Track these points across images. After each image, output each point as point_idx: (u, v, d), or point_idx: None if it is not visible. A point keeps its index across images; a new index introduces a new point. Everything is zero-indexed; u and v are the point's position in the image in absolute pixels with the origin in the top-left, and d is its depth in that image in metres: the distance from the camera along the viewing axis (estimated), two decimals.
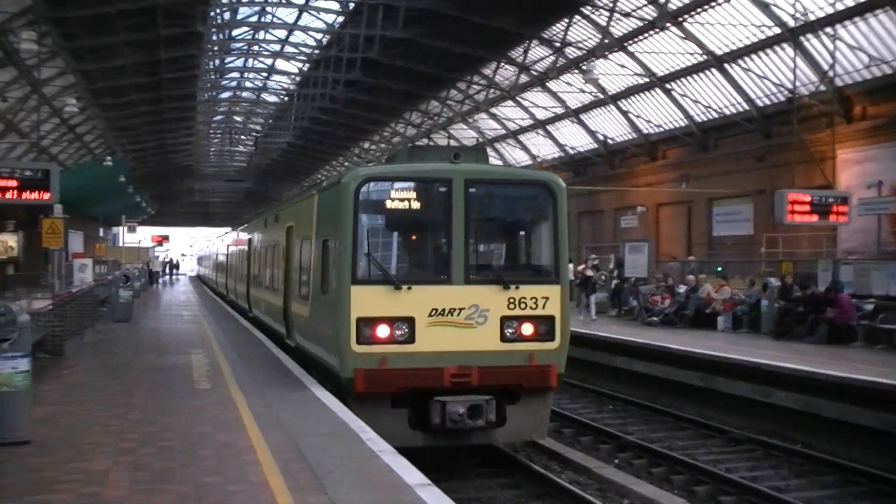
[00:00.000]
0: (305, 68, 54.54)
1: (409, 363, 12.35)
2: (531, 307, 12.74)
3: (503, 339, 12.64)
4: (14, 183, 23.84)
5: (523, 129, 51.59)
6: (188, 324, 26.70)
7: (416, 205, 12.90)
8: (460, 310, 12.50)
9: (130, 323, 26.36)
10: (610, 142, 45.73)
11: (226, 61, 56.56)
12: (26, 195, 24.09)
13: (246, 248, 28.24)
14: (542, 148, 51.85)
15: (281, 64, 56.69)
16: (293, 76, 58.38)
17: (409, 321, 12.41)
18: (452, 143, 58.00)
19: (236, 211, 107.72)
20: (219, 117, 74.73)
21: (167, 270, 76.61)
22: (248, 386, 13.57)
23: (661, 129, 41.26)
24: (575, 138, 48.44)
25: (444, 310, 12.47)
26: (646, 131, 42.39)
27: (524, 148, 53.48)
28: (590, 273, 29.86)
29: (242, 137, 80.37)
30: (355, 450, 9.36)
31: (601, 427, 16.82)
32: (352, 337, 12.33)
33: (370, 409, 12.04)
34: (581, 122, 46.35)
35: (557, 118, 47.62)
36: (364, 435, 10.02)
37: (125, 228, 65.67)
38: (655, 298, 27.26)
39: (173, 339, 21.83)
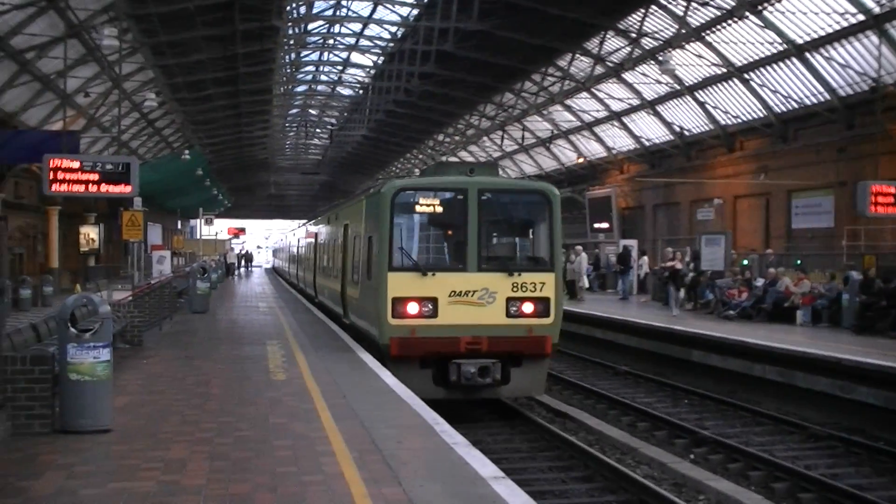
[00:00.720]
0: (380, 61, 54.86)
1: (433, 333, 15.49)
2: (531, 290, 15.81)
3: (508, 315, 15.75)
4: (95, 176, 24.20)
5: (598, 121, 51.28)
6: (264, 315, 27.02)
7: (439, 209, 16.32)
8: (474, 292, 15.66)
9: (207, 314, 26.80)
10: (686, 133, 45.19)
11: (301, 55, 57.13)
12: (107, 188, 24.52)
13: (313, 241, 31.66)
14: (618, 140, 51.48)
15: (356, 57, 57.11)
16: (368, 69, 58.75)
17: (434, 300, 15.58)
18: (527, 135, 58.09)
19: (312, 203, 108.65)
20: (294, 111, 75.51)
21: (243, 262, 77.66)
22: (324, 377, 13.69)
23: (739, 120, 40.70)
24: (651, 130, 48.01)
25: (461, 291, 15.62)
26: (723, 122, 41.84)
27: (599, 140, 53.17)
28: (679, 266, 29.19)
29: (317, 130, 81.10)
30: (429, 441, 9.39)
31: (676, 421, 16.63)
32: (388, 312, 15.56)
33: (403, 370, 14.92)
34: (657, 114, 45.89)
35: (633, 110, 47.24)
36: (438, 427, 10.05)
37: (202, 221, 66.85)
38: (732, 292, 26.88)
39: (249, 330, 22.11)
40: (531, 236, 16.91)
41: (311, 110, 75.95)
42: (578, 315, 28.27)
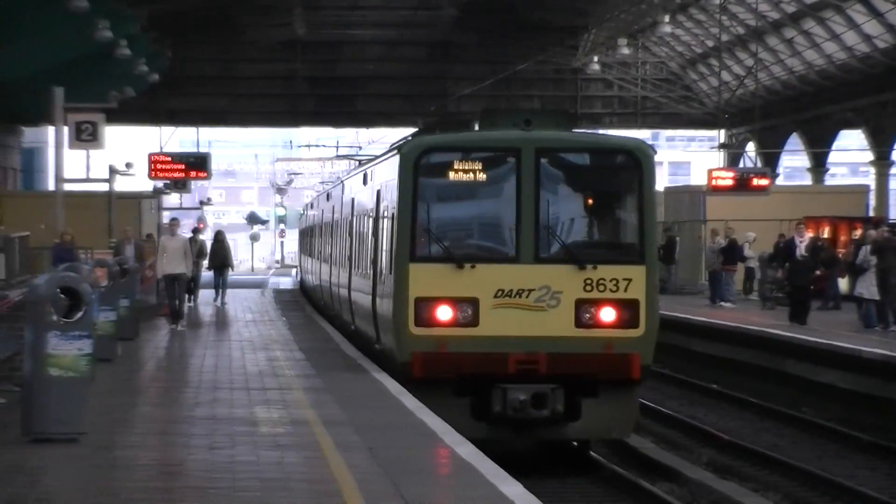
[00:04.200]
0: None
1: (471, 348, 24.97)
2: (611, 289, 24.96)
3: (578, 324, 25.09)
4: None
5: None
6: (269, 447, 19.93)
7: (482, 177, 25.90)
8: (529, 291, 24.90)
9: (82, 444, 19.78)
10: None
11: None
12: None
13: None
14: None
15: None
16: None
17: (473, 302, 25.06)
18: None
19: (417, 82, 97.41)
20: None
21: (200, 266, 59.96)
22: None
23: None
24: None
25: (511, 291, 24.96)
26: None
27: None
28: None
29: None
30: None
31: None
32: (410, 318, 25.58)
33: (431, 397, 23.26)
34: None
35: None
36: None
37: (71, 129, 53.62)
38: None
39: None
40: (613, 214, 26.37)
41: None
42: None
